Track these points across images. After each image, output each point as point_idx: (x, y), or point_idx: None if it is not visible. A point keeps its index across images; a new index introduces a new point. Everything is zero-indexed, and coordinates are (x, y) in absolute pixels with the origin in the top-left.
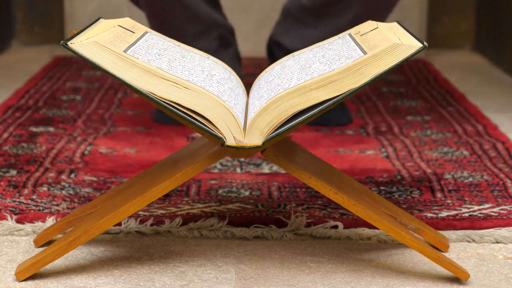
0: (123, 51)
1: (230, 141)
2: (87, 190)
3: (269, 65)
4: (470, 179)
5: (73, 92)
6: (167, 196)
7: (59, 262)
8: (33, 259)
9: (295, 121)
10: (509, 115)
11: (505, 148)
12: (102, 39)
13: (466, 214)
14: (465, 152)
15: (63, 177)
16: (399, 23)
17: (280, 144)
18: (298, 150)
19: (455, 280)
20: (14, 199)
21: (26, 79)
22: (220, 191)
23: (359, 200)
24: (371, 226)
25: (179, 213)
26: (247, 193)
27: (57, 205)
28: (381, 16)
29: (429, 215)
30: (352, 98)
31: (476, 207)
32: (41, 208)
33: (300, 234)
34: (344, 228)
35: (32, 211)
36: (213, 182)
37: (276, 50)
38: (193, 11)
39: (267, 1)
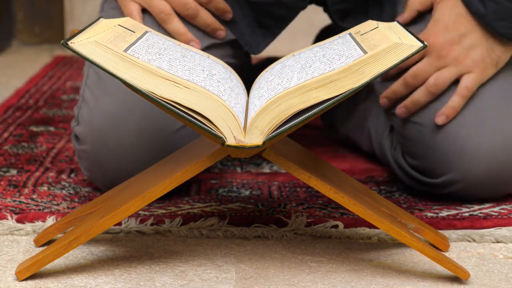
0: (123, 51)
1: (230, 141)
2: (87, 189)
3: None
4: None
5: (73, 92)
6: (167, 195)
7: (59, 262)
8: (33, 259)
9: (295, 121)
10: None
11: None
12: (102, 38)
13: (467, 214)
14: None
15: (64, 176)
16: (399, 22)
17: (280, 143)
18: (298, 149)
19: (456, 279)
20: (14, 198)
21: (26, 79)
22: (220, 190)
23: (359, 199)
24: (371, 226)
25: (179, 212)
26: (247, 192)
27: (58, 204)
28: None
29: (429, 214)
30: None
31: (476, 207)
32: (41, 208)
33: (300, 234)
34: (345, 227)
35: (32, 210)
36: (213, 181)
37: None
38: None
39: None
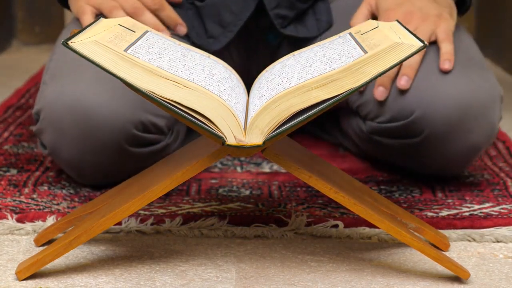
0: (124, 50)
1: (230, 140)
2: (87, 189)
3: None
4: (471, 179)
5: None
6: (167, 195)
7: (60, 261)
8: (33, 258)
9: (295, 120)
10: (509, 114)
11: (505, 147)
12: (102, 38)
13: (467, 213)
14: None
15: (64, 176)
16: (399, 22)
17: (280, 143)
18: (298, 149)
19: (456, 279)
20: (14, 198)
21: (27, 79)
22: (221, 190)
23: (359, 199)
24: (371, 225)
25: (179, 212)
26: (247, 192)
27: (58, 204)
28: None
29: (430, 214)
30: None
31: (476, 206)
32: (41, 207)
33: (300, 233)
34: (345, 227)
35: (32, 210)
36: (213, 181)
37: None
38: None
39: None
